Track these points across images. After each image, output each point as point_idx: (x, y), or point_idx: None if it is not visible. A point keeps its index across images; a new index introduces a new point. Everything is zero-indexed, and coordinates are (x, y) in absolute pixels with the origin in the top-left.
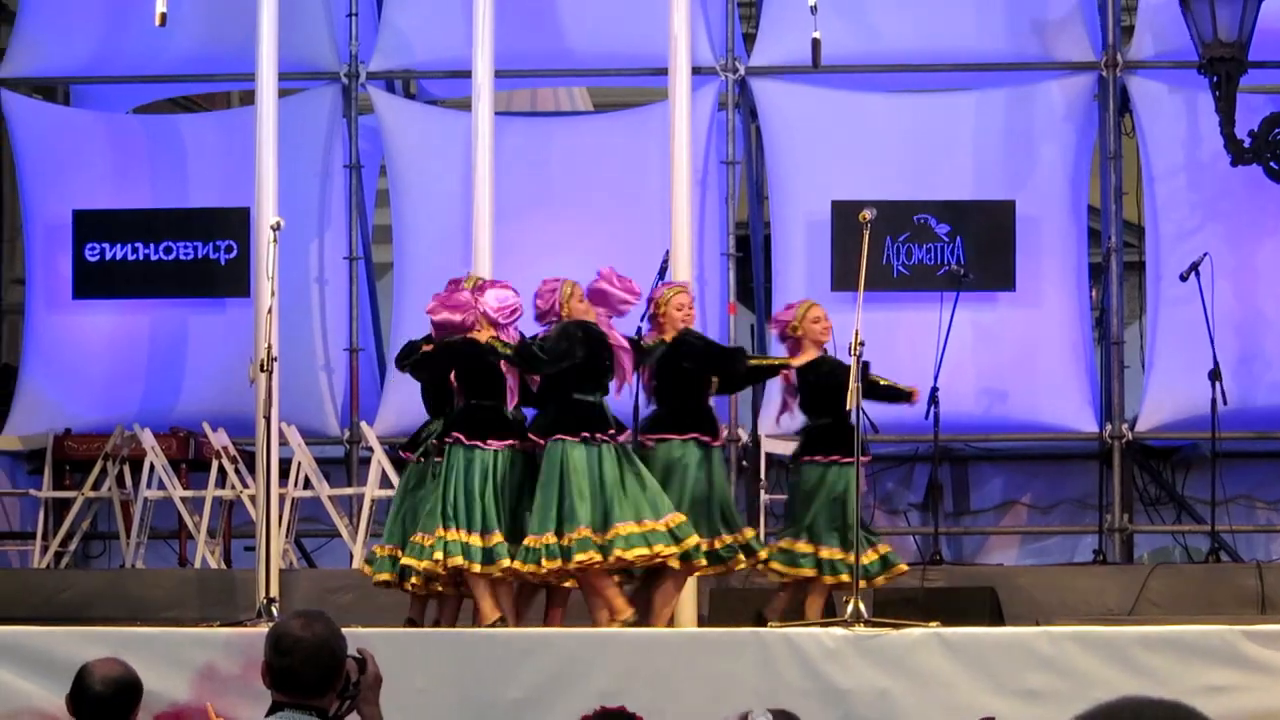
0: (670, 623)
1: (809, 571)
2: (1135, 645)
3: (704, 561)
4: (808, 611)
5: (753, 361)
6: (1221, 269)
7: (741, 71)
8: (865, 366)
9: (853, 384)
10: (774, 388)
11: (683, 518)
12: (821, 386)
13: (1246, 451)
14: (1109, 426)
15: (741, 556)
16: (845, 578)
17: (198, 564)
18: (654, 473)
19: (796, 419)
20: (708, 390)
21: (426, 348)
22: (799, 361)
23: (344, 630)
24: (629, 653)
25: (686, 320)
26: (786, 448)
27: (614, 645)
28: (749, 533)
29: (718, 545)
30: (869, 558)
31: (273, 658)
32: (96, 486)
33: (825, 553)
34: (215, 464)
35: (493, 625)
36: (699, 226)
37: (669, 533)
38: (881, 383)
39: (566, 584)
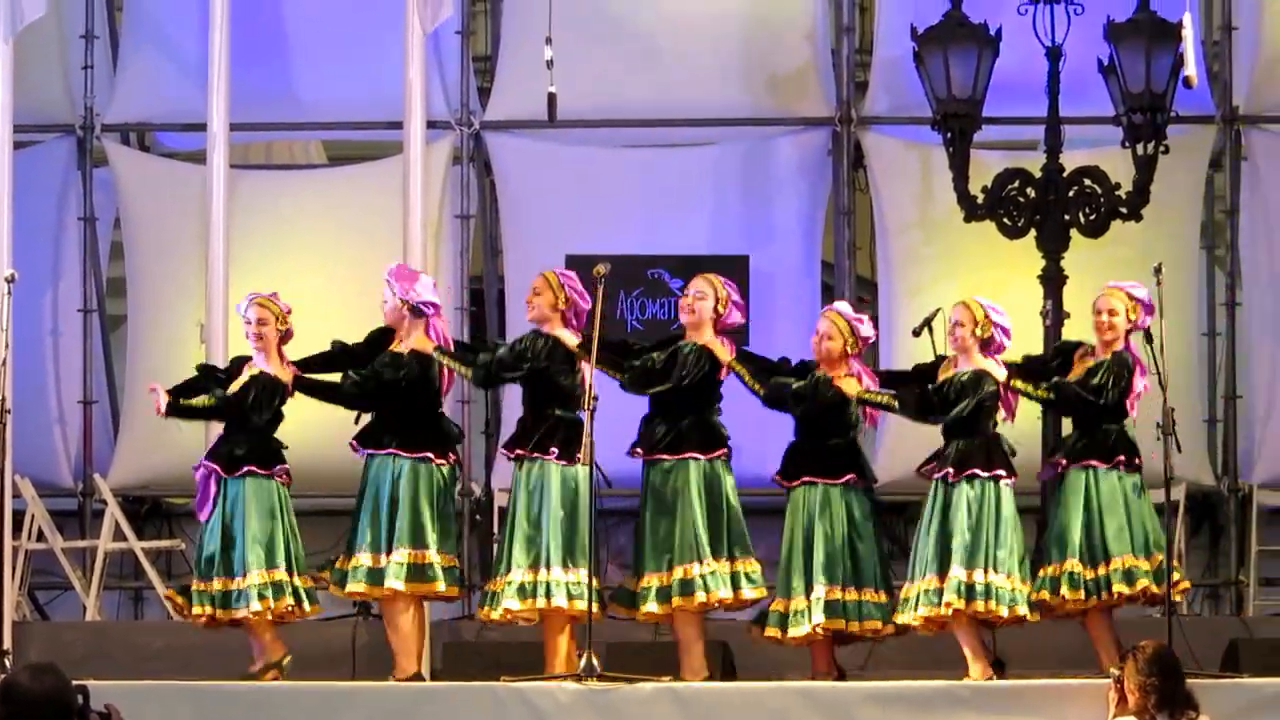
0: None
1: None
2: (864, 701)
3: None
4: None
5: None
6: None
7: (476, 125)
8: None
9: (586, 439)
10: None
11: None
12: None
13: None
14: None
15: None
16: None
17: None
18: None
19: None
20: None
21: None
22: None
23: (91, 684)
24: (368, 706)
25: None
26: None
27: (356, 698)
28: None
29: None
30: None
31: (2, 709)
32: None
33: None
34: None
35: None
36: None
37: None
38: None
39: None
